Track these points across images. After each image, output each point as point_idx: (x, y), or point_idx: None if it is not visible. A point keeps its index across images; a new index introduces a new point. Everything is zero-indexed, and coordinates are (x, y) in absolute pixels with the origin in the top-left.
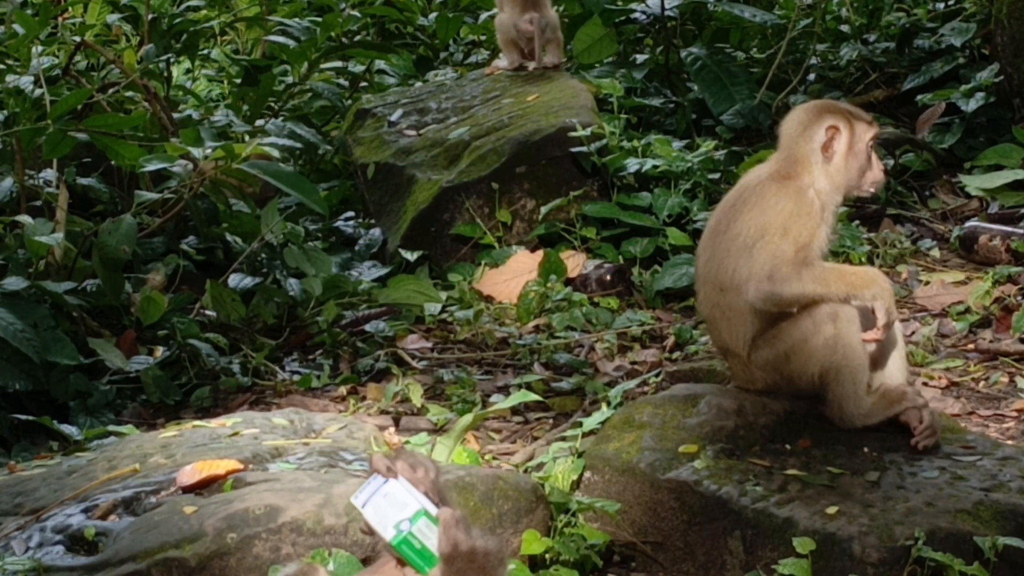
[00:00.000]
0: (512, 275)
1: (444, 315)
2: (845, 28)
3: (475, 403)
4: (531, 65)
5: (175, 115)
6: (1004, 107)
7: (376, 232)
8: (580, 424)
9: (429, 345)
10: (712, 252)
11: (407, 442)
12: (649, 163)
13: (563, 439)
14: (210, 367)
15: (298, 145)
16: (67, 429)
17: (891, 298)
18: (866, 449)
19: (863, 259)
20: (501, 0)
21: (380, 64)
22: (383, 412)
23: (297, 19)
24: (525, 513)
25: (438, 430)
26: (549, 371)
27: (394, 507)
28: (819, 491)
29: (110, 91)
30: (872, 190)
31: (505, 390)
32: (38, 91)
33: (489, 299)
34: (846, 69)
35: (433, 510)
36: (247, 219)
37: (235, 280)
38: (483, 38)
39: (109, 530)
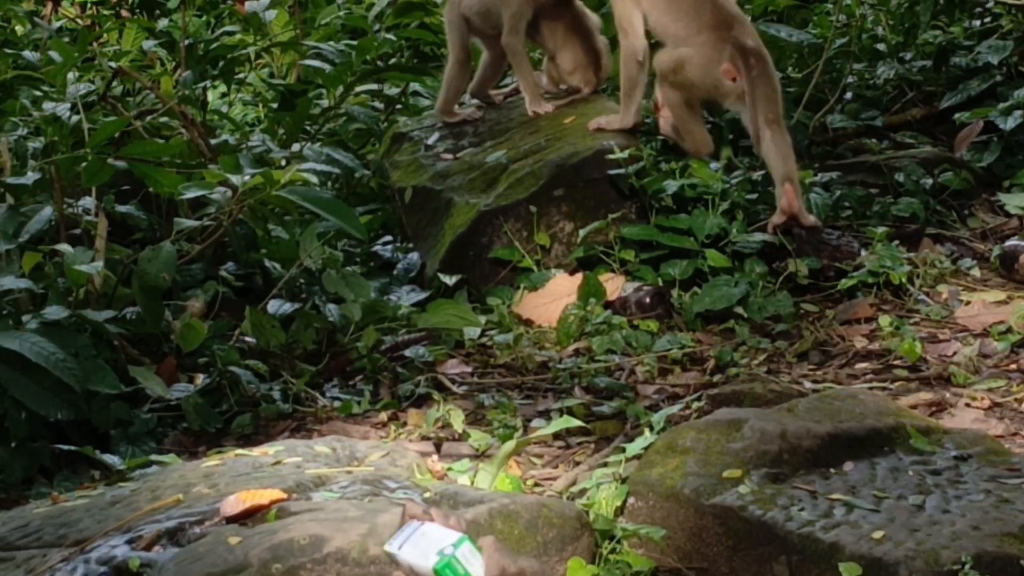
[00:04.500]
0: (551, 298)
1: (484, 339)
2: (881, 47)
3: (516, 428)
4: (585, 89)
5: (211, 140)
6: None
7: (414, 256)
8: (623, 449)
9: (469, 370)
10: None
11: (450, 469)
12: (687, 184)
13: (605, 464)
14: (250, 394)
15: (336, 170)
16: (109, 459)
17: None
18: (910, 472)
19: (903, 280)
20: None
21: (415, 86)
22: (424, 438)
23: (332, 43)
24: (570, 540)
25: (480, 455)
26: (590, 395)
27: (434, 539)
28: (864, 515)
29: (148, 118)
30: None
31: (546, 414)
32: (75, 118)
33: (528, 323)
34: (883, 88)
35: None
36: (286, 244)
37: (274, 306)
38: None
39: (154, 561)
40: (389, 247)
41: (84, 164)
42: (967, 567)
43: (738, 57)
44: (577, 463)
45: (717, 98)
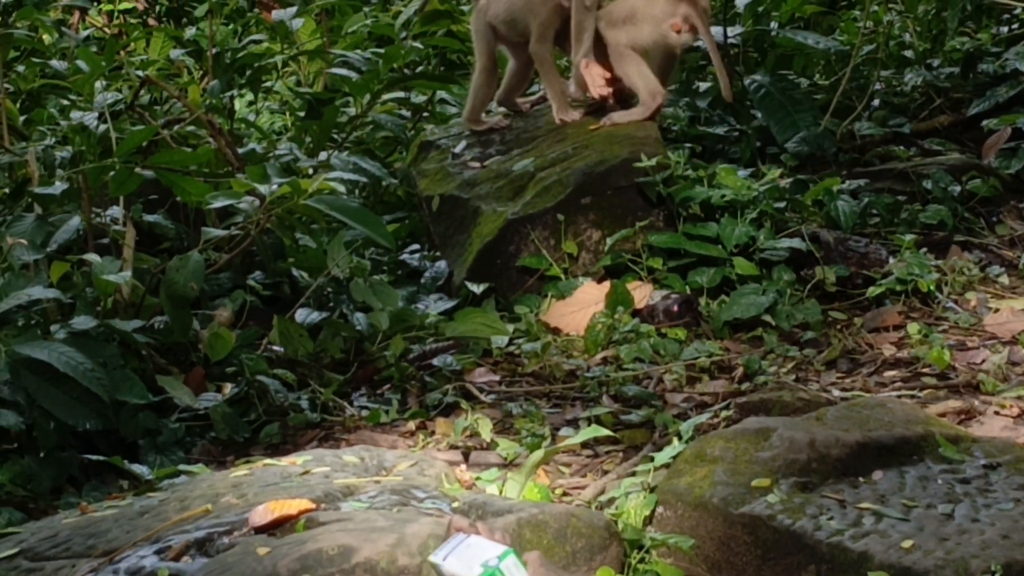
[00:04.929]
0: (579, 307)
1: (511, 348)
2: (909, 54)
3: (544, 437)
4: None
5: (239, 149)
6: None
7: (442, 265)
8: (651, 458)
9: (497, 378)
10: None
11: (478, 478)
12: (715, 192)
13: (634, 474)
14: (278, 403)
15: (363, 179)
16: (137, 468)
17: None
18: (940, 481)
19: (931, 287)
20: None
21: (442, 94)
22: (452, 447)
23: (359, 51)
24: (599, 550)
25: (508, 464)
26: (618, 403)
27: (479, 552)
28: (893, 524)
29: (175, 127)
30: None
31: (574, 423)
32: (102, 127)
33: (556, 331)
34: (910, 95)
35: None
36: (313, 253)
37: (302, 315)
38: None
39: (183, 572)
40: (417, 256)
41: (112, 173)
42: None
43: (694, 16)
44: (605, 472)
45: (663, 48)
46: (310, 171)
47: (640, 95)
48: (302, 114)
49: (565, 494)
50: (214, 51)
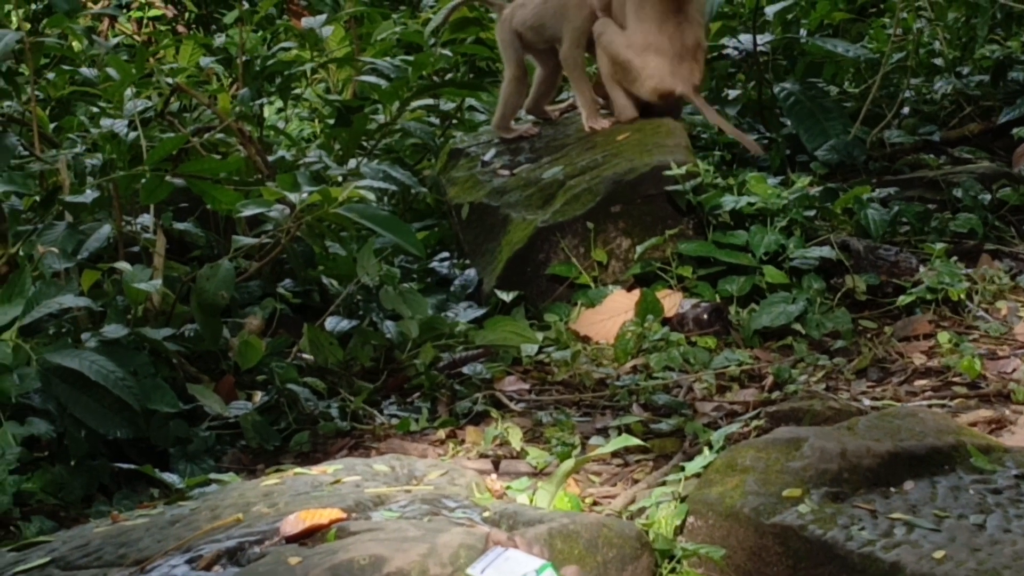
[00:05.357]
0: (609, 315)
1: (541, 356)
2: (939, 62)
3: (574, 445)
4: None
5: (268, 157)
6: None
7: (471, 273)
8: (682, 468)
9: (527, 387)
10: None
11: (508, 487)
12: (744, 200)
13: (664, 483)
14: (308, 411)
15: (393, 187)
16: (168, 477)
17: None
18: (971, 491)
19: (962, 296)
20: None
21: (471, 101)
22: (482, 455)
23: (388, 58)
24: (630, 560)
25: (538, 473)
26: (648, 412)
27: (517, 566)
28: (925, 535)
29: (205, 135)
30: None
31: (604, 432)
32: (132, 135)
33: (586, 339)
34: (940, 103)
35: None
36: (343, 261)
37: (332, 323)
38: None
39: None
40: (446, 263)
41: (142, 181)
42: None
43: (690, 95)
44: (636, 481)
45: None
46: (339, 179)
47: (582, 111)
48: (331, 121)
49: (595, 503)
50: (244, 58)
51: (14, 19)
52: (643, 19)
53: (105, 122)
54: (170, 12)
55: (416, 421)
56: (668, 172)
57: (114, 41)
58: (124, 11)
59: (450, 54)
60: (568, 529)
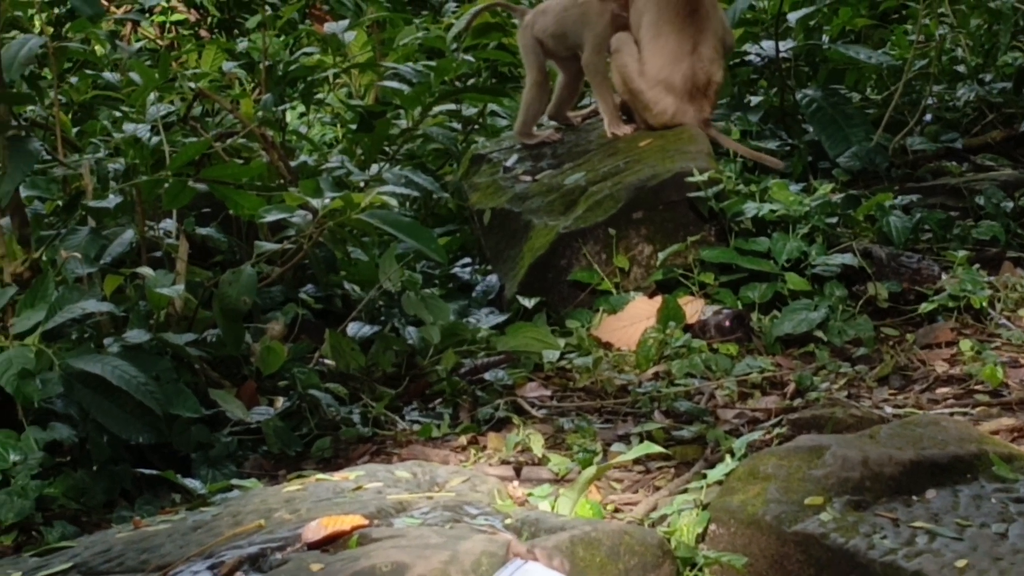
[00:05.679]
0: (630, 321)
1: (563, 362)
2: (961, 68)
3: (596, 452)
4: None
5: (291, 162)
6: None
7: (493, 278)
8: (703, 475)
9: (548, 393)
10: None
11: (530, 494)
12: (766, 207)
13: (686, 490)
14: (330, 417)
15: (415, 193)
16: (190, 483)
17: None
18: (993, 500)
19: (984, 303)
20: None
21: (493, 106)
22: (504, 462)
23: (410, 64)
24: (652, 568)
25: (560, 480)
26: (669, 419)
27: None
28: (947, 544)
29: (228, 140)
30: None
31: (626, 438)
32: (155, 139)
33: (608, 346)
34: (963, 110)
35: None
36: (365, 267)
37: (354, 329)
38: None
39: None
40: (468, 269)
41: (165, 186)
42: None
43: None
44: (657, 488)
45: None
46: (362, 184)
47: (604, 118)
48: (354, 126)
49: (617, 510)
50: (266, 63)
51: (37, 23)
52: (657, 51)
53: (128, 127)
54: (193, 17)
55: (438, 427)
56: (690, 178)
57: (137, 46)
58: (147, 15)
59: (472, 59)
60: (590, 536)
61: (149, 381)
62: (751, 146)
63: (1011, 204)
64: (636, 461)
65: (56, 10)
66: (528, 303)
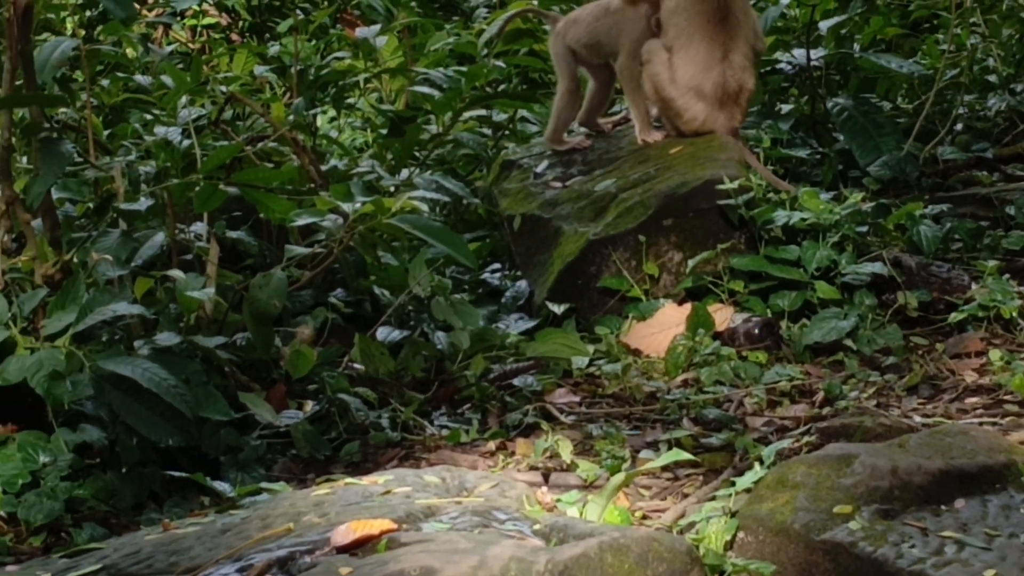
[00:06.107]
0: (660, 328)
1: (592, 369)
2: (992, 78)
3: (624, 459)
4: None
5: (321, 166)
6: None
7: (522, 284)
8: (732, 483)
9: (577, 399)
10: None
11: (559, 500)
12: (797, 216)
13: (714, 498)
14: (359, 421)
15: (445, 198)
16: (219, 486)
17: None
18: (1022, 510)
19: (1014, 313)
20: None
21: (523, 112)
22: (532, 468)
23: (441, 69)
24: (680, 575)
25: (588, 486)
26: (698, 426)
27: None
28: (976, 553)
29: (259, 144)
30: None
31: (654, 445)
32: (186, 143)
33: (637, 353)
34: (994, 120)
35: None
36: (395, 272)
37: (383, 333)
38: None
39: None
40: (497, 275)
41: (196, 190)
42: None
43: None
44: (685, 495)
45: None
46: (392, 189)
47: (635, 124)
48: (384, 131)
49: (645, 517)
50: (298, 68)
51: (69, 26)
52: (688, 58)
53: (159, 130)
54: (224, 20)
55: (466, 432)
56: (720, 186)
57: (168, 49)
58: (178, 19)
59: (503, 65)
60: (619, 543)
61: (179, 384)
62: (783, 154)
63: None
64: (664, 468)
65: (88, 13)
66: (557, 309)
